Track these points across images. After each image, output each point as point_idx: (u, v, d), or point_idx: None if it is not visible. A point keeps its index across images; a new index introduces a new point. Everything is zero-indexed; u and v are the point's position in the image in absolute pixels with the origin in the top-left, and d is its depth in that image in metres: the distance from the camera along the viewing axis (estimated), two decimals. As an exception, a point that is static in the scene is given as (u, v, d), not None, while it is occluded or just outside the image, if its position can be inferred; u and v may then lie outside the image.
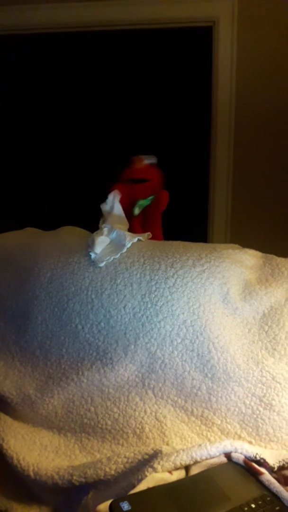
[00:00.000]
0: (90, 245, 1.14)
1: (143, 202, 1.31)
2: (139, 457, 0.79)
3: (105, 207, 1.27)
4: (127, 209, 1.29)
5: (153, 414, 0.93)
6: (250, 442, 0.88)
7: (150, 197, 1.32)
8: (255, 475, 0.74)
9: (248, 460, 0.77)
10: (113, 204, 1.26)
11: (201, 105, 2.13)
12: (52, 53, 2.21)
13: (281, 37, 2.01)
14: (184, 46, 2.14)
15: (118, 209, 1.26)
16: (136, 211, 1.30)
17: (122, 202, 1.29)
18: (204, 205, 2.16)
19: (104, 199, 1.29)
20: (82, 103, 2.23)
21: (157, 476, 0.73)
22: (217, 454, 0.78)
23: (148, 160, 1.34)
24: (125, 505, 0.63)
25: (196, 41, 2.12)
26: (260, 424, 0.89)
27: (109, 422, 0.93)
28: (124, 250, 1.11)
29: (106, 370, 0.99)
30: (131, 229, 1.25)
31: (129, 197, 1.30)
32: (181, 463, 0.76)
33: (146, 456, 0.79)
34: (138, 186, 1.31)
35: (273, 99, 2.04)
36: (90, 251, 1.12)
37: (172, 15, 2.06)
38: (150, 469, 0.74)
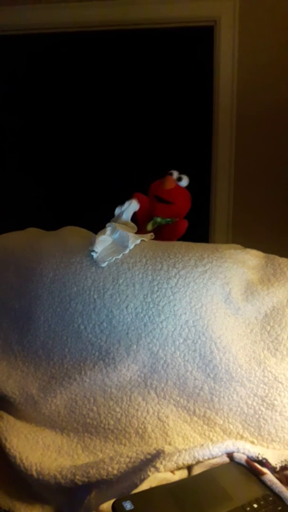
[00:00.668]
0: (92, 244, 1.14)
1: (160, 221, 1.30)
2: (142, 457, 0.79)
3: (117, 210, 1.27)
4: (143, 221, 1.30)
5: (156, 414, 0.93)
6: (252, 442, 0.88)
7: (168, 220, 1.31)
8: (257, 475, 0.74)
9: (250, 460, 0.77)
10: (125, 210, 1.25)
11: (202, 105, 2.13)
12: (52, 53, 2.21)
13: (282, 37, 2.01)
14: (185, 45, 2.14)
15: (127, 216, 1.26)
16: (150, 226, 1.29)
17: (140, 212, 1.29)
18: (205, 205, 2.16)
19: (111, 206, 1.29)
20: (83, 103, 2.24)
21: (160, 476, 0.73)
22: (219, 454, 0.78)
23: (181, 182, 1.32)
24: (128, 505, 0.64)
25: (198, 40, 2.12)
26: (262, 424, 0.89)
27: (112, 422, 0.93)
28: (127, 251, 1.11)
29: (109, 370, 0.99)
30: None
31: (149, 211, 1.30)
32: (183, 463, 0.76)
33: (149, 456, 0.79)
34: (161, 205, 1.30)
35: (275, 99, 2.04)
36: (91, 250, 1.12)
37: (173, 15, 2.06)
38: (152, 469, 0.74)
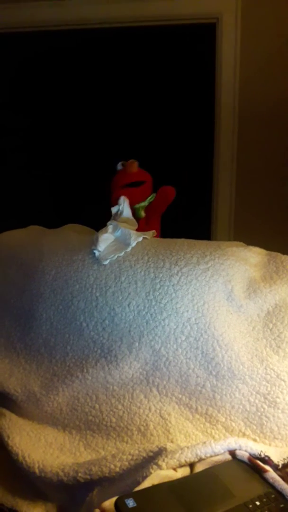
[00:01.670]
0: (94, 243, 1.14)
1: (144, 204, 1.32)
2: (144, 454, 0.79)
3: (115, 209, 1.27)
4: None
5: (158, 411, 0.93)
6: (255, 440, 0.88)
7: (149, 197, 1.33)
8: (260, 472, 0.74)
9: (253, 457, 0.77)
10: (123, 207, 1.26)
11: (204, 103, 2.12)
12: (53, 51, 2.20)
13: (284, 34, 2.00)
14: (187, 43, 2.13)
15: (128, 212, 1.26)
16: (142, 213, 1.30)
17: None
18: (207, 203, 2.15)
19: (106, 206, 1.30)
20: (85, 100, 2.23)
21: (162, 473, 0.73)
22: (222, 451, 0.78)
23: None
24: (130, 502, 0.64)
25: (199, 38, 2.11)
26: (265, 422, 0.89)
27: (114, 420, 0.94)
28: (129, 249, 1.11)
29: (111, 367, 0.99)
30: (138, 228, 1.25)
31: (130, 201, 1.30)
32: (185, 461, 0.76)
33: (151, 453, 0.79)
34: (137, 189, 1.32)
35: (277, 96, 2.03)
36: (94, 249, 1.12)
37: (175, 12, 2.05)
38: (154, 466, 0.74)
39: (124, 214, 1.26)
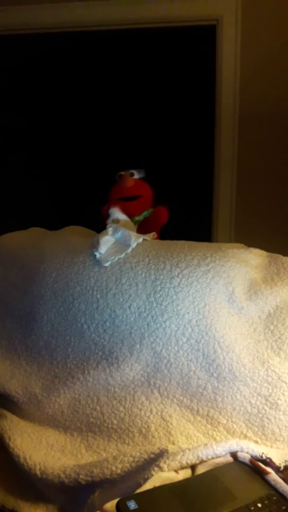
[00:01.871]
0: (95, 245, 1.14)
1: (138, 218, 1.32)
2: (145, 456, 0.79)
3: (109, 225, 1.25)
4: None
5: (159, 413, 0.93)
6: (256, 442, 0.88)
7: (144, 213, 1.33)
8: (261, 474, 0.74)
9: (254, 459, 0.77)
10: (118, 216, 1.26)
11: (205, 104, 2.12)
12: (54, 53, 2.21)
13: (284, 35, 2.00)
14: (187, 44, 2.14)
15: (123, 217, 1.26)
16: (135, 228, 1.30)
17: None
18: (208, 204, 2.15)
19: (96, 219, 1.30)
20: (85, 102, 2.24)
21: (163, 475, 0.73)
22: (223, 453, 0.78)
23: (135, 176, 1.36)
24: (132, 504, 0.64)
25: (200, 39, 2.11)
26: (266, 424, 0.89)
27: (115, 421, 0.93)
28: (129, 250, 1.11)
29: (112, 369, 0.99)
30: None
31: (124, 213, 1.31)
32: (187, 462, 0.76)
33: (152, 455, 0.79)
34: (132, 203, 1.32)
35: (277, 97, 2.04)
36: (95, 251, 1.12)
37: (175, 14, 2.05)
38: (156, 468, 0.74)
39: (121, 220, 1.25)
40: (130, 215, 1.30)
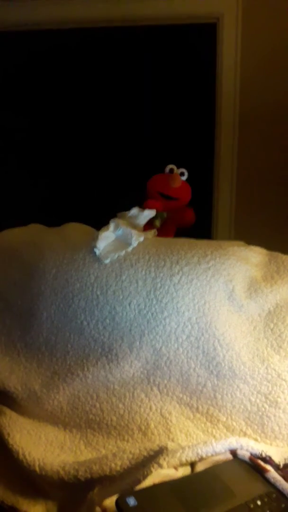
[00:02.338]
0: (95, 240, 1.13)
1: (164, 216, 1.32)
2: (145, 453, 0.79)
3: (134, 211, 1.25)
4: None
5: (158, 410, 0.93)
6: (256, 439, 0.88)
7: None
8: (261, 472, 0.74)
9: (254, 457, 0.77)
10: (143, 217, 1.24)
11: (205, 102, 2.12)
12: (53, 50, 2.20)
13: (285, 34, 2.00)
14: (187, 43, 2.13)
15: (141, 222, 1.24)
16: (158, 223, 1.30)
17: None
18: (208, 202, 2.15)
19: (114, 201, 1.28)
20: (85, 99, 2.23)
21: (163, 472, 0.73)
22: (223, 451, 0.78)
23: (184, 177, 1.34)
24: (131, 501, 0.64)
25: (200, 38, 2.11)
26: (266, 422, 0.89)
27: (114, 418, 0.94)
28: (130, 248, 1.11)
29: (112, 366, 0.99)
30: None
31: (156, 209, 1.30)
32: (186, 460, 0.76)
33: (152, 452, 0.79)
34: (168, 202, 1.32)
35: (278, 96, 2.03)
36: (94, 246, 1.12)
37: (176, 12, 2.05)
38: (155, 465, 0.74)
39: (137, 221, 1.24)
40: (159, 211, 1.30)
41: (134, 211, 1.25)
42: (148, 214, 1.25)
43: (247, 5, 2.00)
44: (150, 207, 1.26)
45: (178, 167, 1.36)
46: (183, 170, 1.34)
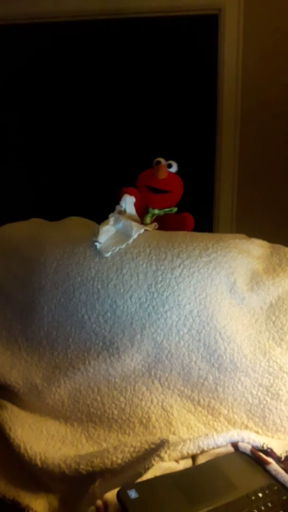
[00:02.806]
0: (95, 235, 1.13)
1: (158, 212, 1.29)
2: (146, 447, 0.79)
3: (118, 207, 1.24)
4: (139, 215, 1.27)
5: (160, 403, 0.93)
6: (257, 432, 0.88)
7: (166, 209, 1.29)
8: (262, 464, 0.74)
9: (255, 449, 0.77)
10: (126, 207, 1.23)
11: (206, 95, 2.11)
12: (53, 44, 2.19)
13: (286, 25, 1.98)
14: (189, 34, 2.12)
15: (130, 210, 1.23)
16: (148, 220, 1.27)
17: (135, 206, 1.26)
18: (210, 195, 2.14)
19: (114, 198, 1.26)
20: (85, 93, 2.22)
21: (164, 465, 0.73)
22: (224, 443, 0.78)
23: (171, 169, 1.30)
24: (133, 493, 0.64)
25: (202, 29, 2.09)
26: (267, 414, 0.88)
27: (116, 412, 0.93)
28: (131, 241, 1.10)
29: (113, 360, 0.99)
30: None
31: (143, 203, 1.27)
32: (188, 453, 0.76)
33: (153, 446, 0.79)
34: (157, 196, 1.28)
35: (280, 89, 2.02)
36: (95, 241, 1.11)
37: (178, 3, 2.04)
38: (157, 458, 0.74)
39: (127, 212, 1.24)
40: (151, 207, 1.28)
41: (117, 208, 1.24)
42: (125, 202, 1.22)
43: (249, -4, 1.99)
44: (122, 194, 1.24)
45: (167, 160, 1.31)
46: (171, 162, 1.30)
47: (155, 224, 1.23)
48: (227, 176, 2.11)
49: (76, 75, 2.21)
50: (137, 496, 0.63)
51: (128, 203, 1.23)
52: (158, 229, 1.25)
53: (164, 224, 1.28)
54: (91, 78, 2.21)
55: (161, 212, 1.29)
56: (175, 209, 1.31)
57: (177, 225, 1.28)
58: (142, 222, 1.26)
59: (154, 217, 1.29)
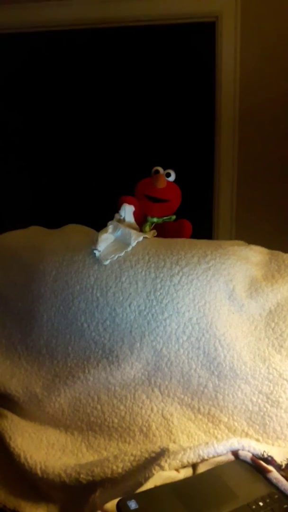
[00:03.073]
0: (94, 243, 1.13)
1: (157, 221, 1.29)
2: (146, 455, 0.79)
3: (117, 216, 1.24)
4: (138, 223, 1.27)
5: (160, 412, 0.93)
6: (258, 440, 0.87)
7: (165, 218, 1.30)
8: (263, 472, 0.74)
9: (256, 457, 0.77)
10: (125, 216, 1.23)
11: (204, 101, 2.12)
12: (52, 51, 2.20)
13: (284, 32, 1.99)
14: (186, 42, 2.13)
15: (129, 219, 1.24)
16: (147, 228, 1.28)
17: (134, 215, 1.26)
18: (208, 201, 2.15)
19: (112, 205, 1.27)
20: (84, 99, 2.23)
21: (164, 474, 0.73)
22: (224, 452, 0.78)
23: (170, 178, 1.31)
24: (133, 504, 0.63)
25: (199, 36, 2.11)
26: (267, 422, 0.88)
27: (116, 420, 0.93)
28: (129, 248, 1.11)
29: (112, 368, 0.99)
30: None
31: (142, 211, 1.28)
32: (188, 461, 0.75)
33: (153, 454, 0.79)
34: (155, 205, 1.28)
35: (277, 95, 2.03)
36: (94, 249, 1.12)
37: (175, 11, 2.05)
38: (157, 467, 0.74)
39: (126, 221, 1.24)
40: (150, 216, 1.28)
41: (116, 216, 1.24)
42: (124, 211, 1.23)
43: (246, 4, 2.00)
44: (121, 203, 1.25)
45: (165, 169, 1.32)
46: (170, 171, 1.31)
47: (153, 232, 1.23)
48: (226, 180, 2.11)
49: (76, 83, 2.23)
50: (137, 507, 0.63)
51: (128, 212, 1.24)
52: (156, 236, 1.26)
53: (163, 231, 1.28)
54: (91, 85, 2.22)
55: (160, 220, 1.30)
56: (173, 217, 1.31)
57: (175, 232, 1.28)
58: (141, 230, 1.26)
59: (153, 225, 1.29)
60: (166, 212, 1.30)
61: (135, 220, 1.25)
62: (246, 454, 0.77)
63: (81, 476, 0.81)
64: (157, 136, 2.18)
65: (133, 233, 1.14)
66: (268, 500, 0.67)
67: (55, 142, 2.30)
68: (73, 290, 1.08)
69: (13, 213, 2.31)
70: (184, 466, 0.75)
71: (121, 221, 1.23)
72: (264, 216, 2.09)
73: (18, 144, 2.33)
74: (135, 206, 1.25)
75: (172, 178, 1.31)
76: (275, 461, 0.77)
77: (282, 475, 0.73)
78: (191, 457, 0.76)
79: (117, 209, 1.26)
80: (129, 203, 1.24)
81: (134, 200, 1.27)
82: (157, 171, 1.31)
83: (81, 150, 2.28)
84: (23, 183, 2.34)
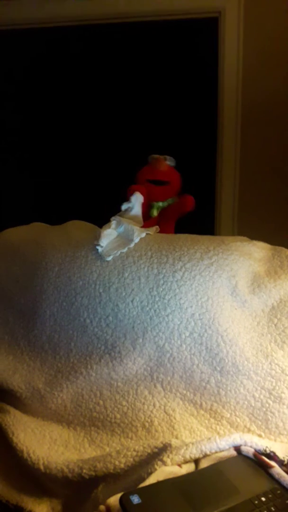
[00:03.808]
0: (97, 238, 1.13)
1: (162, 204, 1.31)
2: (148, 451, 0.79)
3: (125, 206, 1.25)
4: (143, 211, 1.29)
5: (162, 407, 0.93)
6: (260, 435, 0.87)
7: (169, 200, 1.32)
8: (265, 468, 0.74)
9: (258, 453, 0.77)
10: (134, 205, 1.24)
11: (207, 97, 2.11)
12: (53, 48, 2.20)
13: (287, 28, 1.98)
14: (189, 37, 2.12)
15: (137, 210, 1.24)
16: (155, 213, 1.30)
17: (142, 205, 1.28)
18: (211, 197, 2.14)
19: (120, 196, 1.28)
20: (87, 96, 2.23)
21: (167, 470, 0.73)
22: (227, 447, 0.78)
23: (169, 162, 1.34)
24: (135, 499, 0.64)
25: (202, 32, 2.09)
26: (270, 417, 0.88)
27: (118, 416, 0.93)
28: (132, 245, 1.11)
29: (115, 363, 0.99)
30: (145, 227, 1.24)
31: (147, 198, 1.29)
32: (190, 457, 0.75)
33: (156, 450, 0.79)
34: (158, 188, 1.30)
35: (280, 90, 2.02)
36: (97, 244, 1.12)
37: (177, 7, 2.04)
38: (159, 463, 0.74)
39: (133, 212, 1.24)
40: (154, 200, 1.29)
41: (124, 205, 1.25)
42: (136, 198, 1.24)
43: (249, -1, 1.99)
44: (132, 192, 1.26)
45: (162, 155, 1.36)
46: (166, 156, 1.34)
47: (156, 227, 1.23)
48: (229, 176, 2.10)
49: (77, 79, 2.22)
50: (140, 501, 0.63)
51: (138, 201, 1.24)
52: (160, 217, 1.28)
53: (166, 209, 1.31)
54: (92, 81, 2.21)
55: (165, 204, 1.31)
56: (175, 199, 1.33)
57: (177, 206, 1.31)
58: (149, 216, 1.28)
59: (160, 209, 1.31)
60: (169, 194, 1.32)
61: (142, 209, 1.27)
62: (248, 450, 0.77)
63: (84, 471, 0.81)
64: (159, 133, 2.17)
65: (136, 229, 1.14)
66: (270, 496, 0.67)
67: (57, 139, 2.29)
68: (76, 286, 1.08)
69: (15, 209, 2.31)
70: (186, 462, 0.75)
71: (128, 210, 1.23)
72: (267, 212, 2.08)
73: (19, 140, 2.32)
74: (143, 195, 1.27)
75: (169, 162, 1.34)
76: (277, 457, 0.77)
77: (285, 471, 0.73)
78: (194, 452, 0.76)
79: (125, 199, 1.27)
80: (139, 191, 1.26)
81: (143, 188, 1.28)
82: (154, 158, 1.34)
83: (83, 146, 2.28)
84: (25, 179, 2.33)
